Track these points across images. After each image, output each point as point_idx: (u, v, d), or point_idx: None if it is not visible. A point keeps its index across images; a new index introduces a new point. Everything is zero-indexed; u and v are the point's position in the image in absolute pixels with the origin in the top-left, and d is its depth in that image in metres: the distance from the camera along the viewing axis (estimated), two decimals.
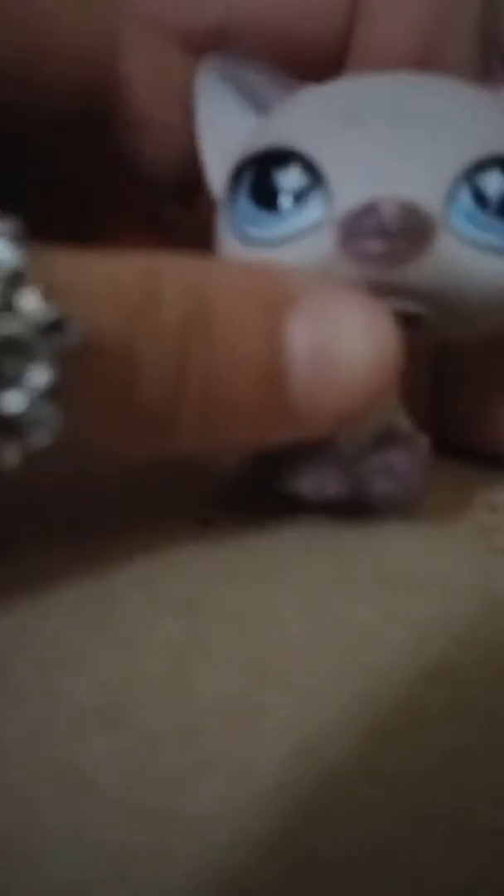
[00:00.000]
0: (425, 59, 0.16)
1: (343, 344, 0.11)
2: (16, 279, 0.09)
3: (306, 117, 0.14)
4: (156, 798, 0.08)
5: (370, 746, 0.09)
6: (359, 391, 0.12)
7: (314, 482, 0.13)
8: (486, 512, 0.15)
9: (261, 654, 0.11)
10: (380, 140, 0.13)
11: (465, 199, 0.13)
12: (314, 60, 0.16)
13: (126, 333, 0.10)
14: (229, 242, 0.14)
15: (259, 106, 0.15)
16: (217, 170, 0.15)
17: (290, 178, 0.13)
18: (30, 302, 0.09)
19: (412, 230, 0.12)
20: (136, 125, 0.16)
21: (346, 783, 0.09)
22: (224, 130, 0.15)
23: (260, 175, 0.13)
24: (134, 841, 0.08)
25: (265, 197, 0.13)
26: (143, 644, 0.11)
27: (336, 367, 0.11)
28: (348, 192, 0.12)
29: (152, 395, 0.10)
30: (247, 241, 0.13)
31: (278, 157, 0.13)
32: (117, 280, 0.10)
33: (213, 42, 0.16)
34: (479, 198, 0.13)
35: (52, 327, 0.09)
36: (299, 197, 0.13)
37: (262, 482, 0.13)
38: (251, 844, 0.08)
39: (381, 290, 0.12)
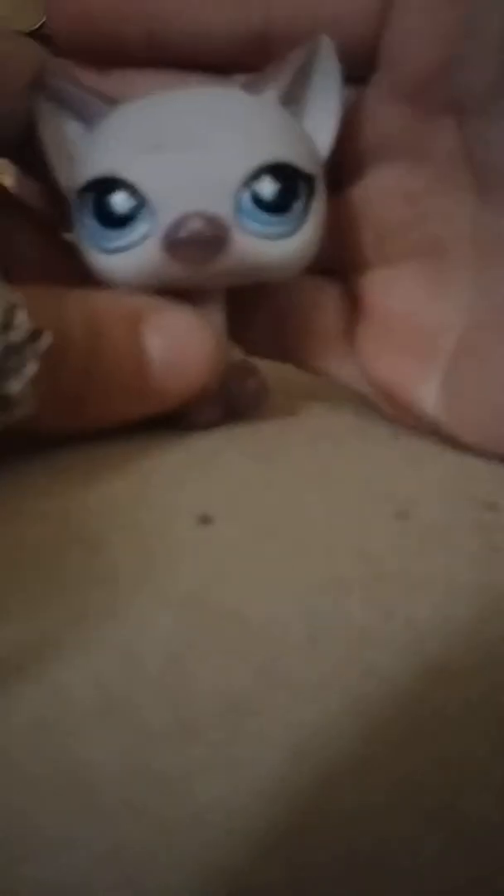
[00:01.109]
0: (449, 65, 0.17)
1: (183, 346, 0.17)
2: (11, 306, 0.13)
3: (124, 146, 0.17)
4: (155, 798, 0.08)
5: (370, 746, 0.09)
6: (196, 378, 0.17)
7: (198, 414, 0.18)
8: (486, 510, 0.15)
9: (261, 654, 0.11)
10: (179, 164, 0.16)
11: (247, 203, 0.16)
12: (346, 64, 0.18)
13: (58, 343, 0.14)
14: (86, 247, 0.17)
15: (82, 118, 0.18)
16: (63, 174, 0.18)
17: (120, 203, 0.17)
18: (21, 320, 0.13)
19: (214, 236, 0.16)
20: None
21: (346, 783, 0.09)
22: (60, 140, 0.18)
23: (98, 199, 0.17)
24: (134, 841, 0.08)
25: (105, 218, 0.17)
26: (143, 643, 0.11)
27: (179, 362, 0.17)
28: (165, 211, 0.16)
29: (73, 381, 0.16)
30: (98, 250, 0.17)
31: (109, 184, 0.17)
32: (51, 309, 0.15)
33: (253, 47, 0.18)
34: (257, 200, 0.16)
35: (33, 337, 0.14)
36: (130, 217, 0.17)
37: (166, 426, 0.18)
38: (251, 844, 0.08)
39: (199, 278, 0.17)
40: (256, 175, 0.16)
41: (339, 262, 0.20)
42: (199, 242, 0.16)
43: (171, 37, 0.18)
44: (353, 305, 0.20)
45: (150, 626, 0.11)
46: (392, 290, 0.19)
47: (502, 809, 0.09)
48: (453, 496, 0.16)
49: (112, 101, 0.18)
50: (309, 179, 0.17)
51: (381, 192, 0.19)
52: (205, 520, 0.14)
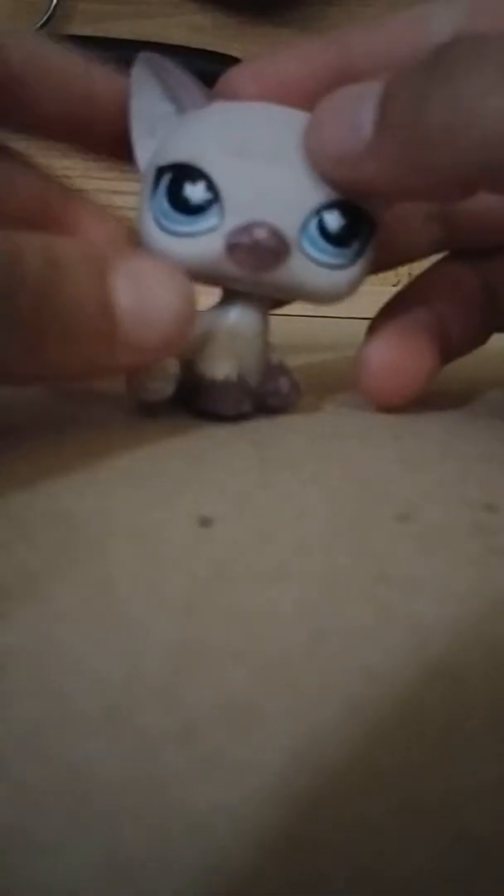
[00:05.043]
0: None
1: (154, 293, 0.16)
2: None
3: (214, 140, 0.18)
4: (154, 803, 0.08)
5: (369, 747, 0.09)
6: (168, 328, 0.16)
7: (233, 405, 0.19)
8: (485, 512, 0.15)
9: (261, 657, 0.11)
10: (261, 174, 0.17)
11: (313, 229, 0.17)
12: None
13: (9, 271, 0.14)
14: (149, 223, 0.18)
15: (177, 101, 0.19)
16: (141, 148, 0.19)
17: (197, 192, 0.17)
18: None
19: (274, 249, 0.17)
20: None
21: (346, 783, 0.09)
22: (149, 115, 0.19)
23: (175, 181, 0.18)
24: (134, 842, 0.08)
25: (178, 201, 0.18)
26: (143, 646, 0.11)
27: (149, 310, 0.16)
28: (236, 212, 0.17)
29: (28, 315, 0.14)
30: (161, 228, 0.18)
31: (190, 172, 0.17)
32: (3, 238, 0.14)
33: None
34: (323, 229, 0.18)
35: None
36: (202, 207, 0.17)
37: (188, 409, 0.20)
38: (251, 844, 0.08)
39: (249, 283, 0.18)
40: (329, 206, 0.17)
41: None
42: (259, 251, 0.17)
43: None
44: None
45: (150, 629, 0.11)
46: None
47: (502, 810, 0.09)
48: (453, 498, 0.16)
49: (211, 96, 0.19)
50: (371, 224, 0.18)
51: None
52: (204, 522, 0.14)
